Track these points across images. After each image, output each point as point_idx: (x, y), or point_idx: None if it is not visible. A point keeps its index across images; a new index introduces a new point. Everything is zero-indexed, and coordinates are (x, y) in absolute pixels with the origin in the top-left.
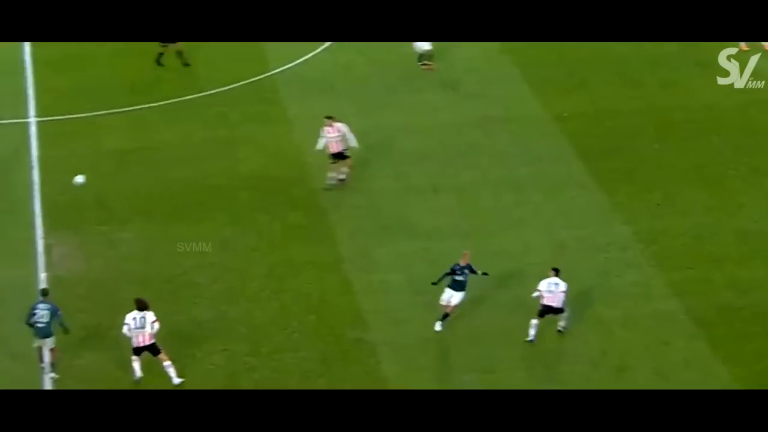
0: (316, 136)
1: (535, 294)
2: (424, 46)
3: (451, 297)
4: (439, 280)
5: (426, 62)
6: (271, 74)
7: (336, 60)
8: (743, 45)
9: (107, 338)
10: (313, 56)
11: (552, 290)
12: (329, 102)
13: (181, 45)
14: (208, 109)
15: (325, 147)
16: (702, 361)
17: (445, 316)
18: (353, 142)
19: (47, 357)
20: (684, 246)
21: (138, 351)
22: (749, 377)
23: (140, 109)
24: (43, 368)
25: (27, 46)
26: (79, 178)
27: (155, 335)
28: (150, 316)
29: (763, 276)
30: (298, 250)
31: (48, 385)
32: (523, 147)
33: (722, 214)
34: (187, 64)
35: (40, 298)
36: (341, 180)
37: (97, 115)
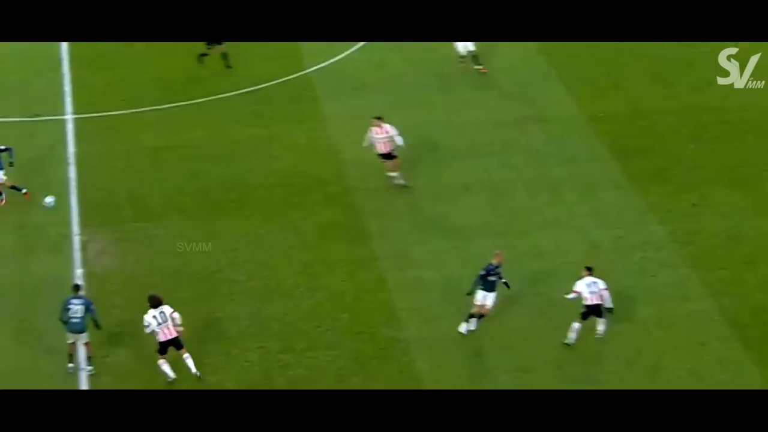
0: (351, 133)
1: (571, 296)
2: (468, 46)
3: (486, 297)
4: (474, 288)
5: (479, 66)
6: (307, 72)
7: (370, 58)
8: None
9: (141, 334)
10: (347, 55)
11: (593, 290)
12: (364, 100)
13: (225, 47)
14: (244, 107)
15: (373, 146)
16: (736, 362)
17: (472, 316)
18: (400, 141)
19: (82, 351)
20: (718, 247)
21: (164, 349)
22: None
23: (176, 106)
24: (70, 368)
25: (65, 44)
26: (49, 199)
27: (179, 325)
28: (167, 308)
29: None
30: (332, 248)
31: (84, 381)
32: (558, 146)
33: (756, 215)
34: (229, 66)
35: (73, 294)
36: (393, 180)
37: (134, 112)
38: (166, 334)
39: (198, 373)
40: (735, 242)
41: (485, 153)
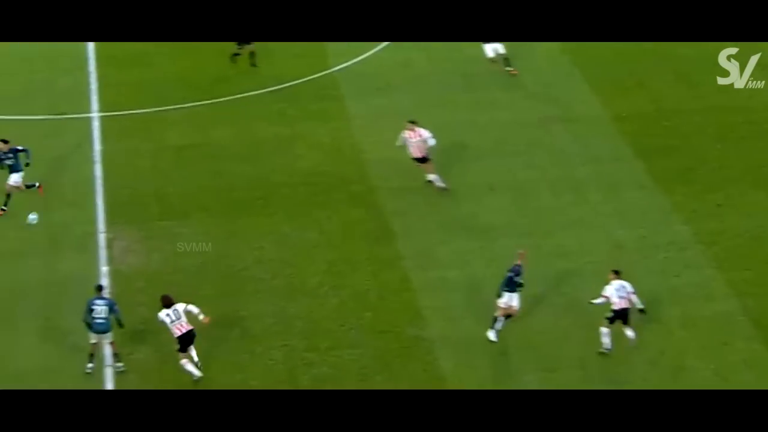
0: (375, 133)
1: (599, 301)
2: (498, 49)
3: (511, 299)
4: (501, 290)
5: (509, 68)
6: (331, 72)
7: (395, 58)
8: None
9: (166, 332)
10: (372, 54)
11: (622, 294)
12: (388, 100)
13: (254, 46)
14: (269, 106)
15: (406, 148)
16: (760, 363)
17: (496, 320)
18: (433, 142)
19: (108, 350)
20: (742, 247)
21: (184, 346)
22: None
23: (201, 105)
24: (89, 368)
25: (91, 43)
26: (32, 216)
27: (200, 314)
28: (180, 306)
29: None
30: (356, 247)
31: (110, 378)
32: (582, 146)
33: None
34: (254, 65)
35: (96, 295)
36: (433, 183)
37: (159, 110)
38: (181, 329)
39: (199, 375)
40: (760, 242)
41: (509, 153)
